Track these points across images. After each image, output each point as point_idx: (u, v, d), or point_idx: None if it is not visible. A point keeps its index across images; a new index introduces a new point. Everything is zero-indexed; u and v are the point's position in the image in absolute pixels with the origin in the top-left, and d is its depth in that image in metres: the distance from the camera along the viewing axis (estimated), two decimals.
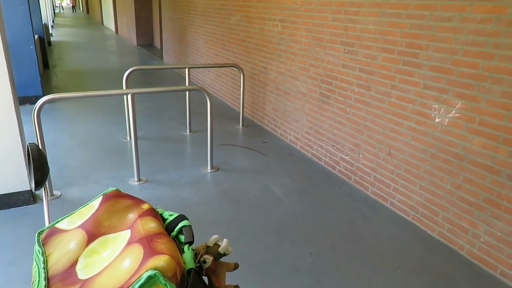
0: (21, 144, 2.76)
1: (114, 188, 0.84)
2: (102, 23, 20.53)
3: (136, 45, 12.72)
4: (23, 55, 5.34)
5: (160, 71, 8.27)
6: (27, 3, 5.29)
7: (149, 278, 0.60)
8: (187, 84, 4.63)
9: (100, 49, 11.89)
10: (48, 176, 2.97)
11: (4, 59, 2.58)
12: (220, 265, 0.74)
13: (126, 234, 0.73)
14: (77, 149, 4.03)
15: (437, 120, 2.55)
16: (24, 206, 2.86)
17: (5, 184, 2.79)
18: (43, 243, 0.76)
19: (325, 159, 3.77)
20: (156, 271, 0.61)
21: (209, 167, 3.60)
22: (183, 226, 0.75)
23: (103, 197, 0.81)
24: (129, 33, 13.70)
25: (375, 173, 3.15)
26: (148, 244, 0.68)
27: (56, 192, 3.07)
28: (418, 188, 2.76)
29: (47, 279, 0.69)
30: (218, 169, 3.62)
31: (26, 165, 0.99)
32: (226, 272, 0.76)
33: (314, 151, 3.93)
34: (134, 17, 12.44)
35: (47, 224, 0.81)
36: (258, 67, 4.82)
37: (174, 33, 8.33)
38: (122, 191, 0.81)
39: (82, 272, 0.70)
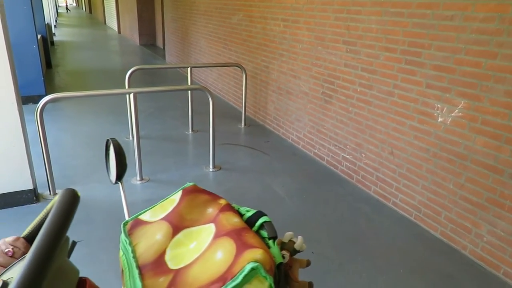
0: (24, 144, 2.77)
1: (192, 183, 0.87)
2: (105, 23, 20.58)
3: (138, 44, 12.75)
4: (26, 55, 5.36)
5: (163, 71, 8.28)
6: (30, 3, 5.30)
7: (252, 269, 0.62)
8: (189, 84, 4.64)
9: (102, 48, 11.92)
10: (52, 175, 2.99)
11: (7, 58, 2.59)
12: (295, 261, 0.76)
13: (210, 228, 0.76)
14: (80, 149, 4.04)
15: (439, 119, 2.54)
16: (27, 205, 2.87)
17: (8, 183, 2.81)
18: (129, 234, 0.79)
19: (327, 158, 3.76)
20: (257, 263, 0.63)
21: (211, 167, 3.61)
22: (264, 222, 0.76)
23: (182, 191, 0.85)
24: (132, 33, 13.73)
25: (378, 173, 3.14)
26: (238, 237, 0.71)
27: (59, 191, 3.08)
28: (421, 188, 2.76)
29: (138, 267, 0.72)
30: (220, 169, 3.63)
31: (106, 160, 1.02)
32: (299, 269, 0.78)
33: (316, 151, 3.93)
34: (137, 17, 12.46)
35: (127, 216, 0.85)
36: (260, 67, 4.82)
37: (177, 33, 8.34)
38: (199, 186, 0.86)
39: (172, 263, 0.73)
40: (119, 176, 0.97)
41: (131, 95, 3.14)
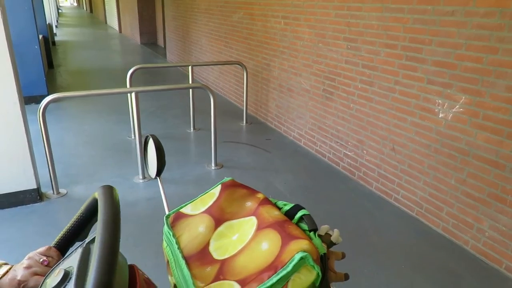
0: (27, 143, 2.79)
1: (230, 178, 0.90)
2: (106, 22, 20.59)
3: (139, 43, 12.76)
4: (27, 55, 5.38)
5: (164, 70, 8.29)
6: (31, 3, 5.32)
7: (301, 259, 0.65)
8: (190, 82, 4.64)
9: (104, 48, 11.93)
10: (55, 174, 3.01)
11: (9, 59, 2.61)
12: (331, 253, 0.78)
13: (251, 220, 0.79)
14: (82, 148, 4.06)
15: (441, 115, 2.54)
16: (31, 204, 2.90)
17: (12, 183, 2.83)
18: (172, 226, 0.82)
19: (329, 155, 3.77)
20: (306, 253, 0.66)
21: (213, 165, 3.62)
22: (303, 215, 0.79)
23: (221, 186, 0.88)
24: (133, 32, 13.74)
25: (379, 169, 3.14)
26: (282, 229, 0.73)
27: (62, 190, 3.10)
28: (422, 184, 2.76)
29: (184, 258, 0.75)
30: (222, 167, 3.64)
31: (144, 156, 1.06)
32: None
33: (317, 148, 3.93)
34: (137, 16, 12.47)
35: (167, 210, 0.89)
36: (261, 64, 4.82)
37: (177, 32, 8.34)
38: (237, 181, 0.89)
39: (216, 253, 0.76)
40: (159, 171, 1.02)
41: (133, 94, 3.15)
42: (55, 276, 0.61)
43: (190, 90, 4.55)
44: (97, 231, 0.60)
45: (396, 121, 2.90)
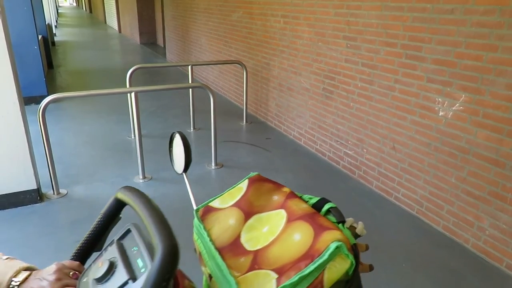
0: (27, 144, 2.79)
1: (256, 173, 0.93)
2: (105, 22, 20.59)
3: (139, 43, 12.76)
4: (27, 56, 5.38)
5: (164, 69, 8.29)
6: (30, 4, 5.32)
7: (336, 248, 0.68)
8: (190, 82, 4.64)
9: (103, 48, 11.93)
10: (55, 175, 3.01)
11: (8, 59, 2.60)
12: (357, 245, 0.81)
13: (280, 213, 0.82)
14: (82, 148, 4.06)
15: (441, 113, 2.54)
16: (31, 205, 2.90)
17: (12, 183, 2.83)
18: (202, 219, 0.85)
19: (329, 154, 3.77)
20: (341, 242, 0.69)
21: (213, 164, 3.62)
22: (331, 207, 0.82)
23: (248, 180, 0.90)
24: (132, 32, 13.74)
25: (379, 168, 3.14)
26: (312, 221, 0.76)
27: (63, 191, 3.10)
28: (423, 182, 2.76)
29: (217, 249, 0.78)
30: (222, 166, 3.64)
31: (170, 152, 1.13)
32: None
33: (318, 147, 3.93)
34: (137, 16, 12.46)
35: (194, 205, 0.91)
36: (260, 64, 4.82)
37: (177, 31, 8.34)
38: (263, 176, 0.92)
39: (248, 245, 0.79)
40: (186, 167, 1.05)
41: (132, 94, 3.15)
42: (99, 268, 0.64)
43: (190, 89, 4.55)
44: (140, 213, 0.65)
45: (396, 119, 2.90)
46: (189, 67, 4.57)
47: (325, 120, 3.75)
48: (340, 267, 0.69)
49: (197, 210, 0.87)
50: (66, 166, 3.57)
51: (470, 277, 2.25)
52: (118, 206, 0.77)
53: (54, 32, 13.89)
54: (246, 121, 4.89)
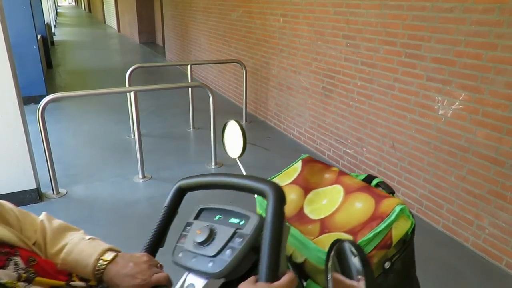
0: (26, 143, 2.79)
1: (307, 155, 1.05)
2: (104, 22, 20.56)
3: (138, 43, 12.74)
4: (26, 55, 5.37)
5: (163, 69, 8.28)
6: (29, 3, 5.31)
7: (401, 210, 0.79)
8: (189, 81, 4.64)
9: (102, 47, 11.92)
10: (55, 175, 3.00)
11: (7, 59, 2.60)
12: None
13: (336, 188, 0.93)
14: (82, 148, 4.06)
15: (440, 112, 2.54)
16: (31, 205, 2.89)
17: (12, 183, 2.82)
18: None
19: (329, 153, 3.77)
20: (404, 205, 0.80)
21: (213, 163, 3.62)
22: (379, 182, 0.93)
23: (302, 161, 1.01)
24: (131, 31, 13.72)
25: (379, 167, 3.14)
26: (370, 192, 0.88)
27: (62, 190, 3.10)
28: (422, 181, 2.76)
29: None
30: (222, 165, 3.64)
31: (222, 139, 1.23)
32: None
33: (317, 146, 3.93)
34: (136, 15, 12.44)
35: None
36: (260, 63, 4.82)
37: (176, 30, 8.33)
38: (313, 157, 1.03)
39: (312, 215, 0.90)
40: (242, 152, 1.16)
41: (132, 94, 3.15)
42: (198, 235, 0.72)
43: (189, 89, 4.55)
44: (227, 181, 0.78)
45: (395, 118, 2.90)
46: (189, 66, 4.57)
47: (324, 119, 3.75)
48: (403, 226, 0.80)
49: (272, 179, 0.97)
50: (66, 165, 3.57)
51: (470, 275, 2.26)
52: (180, 196, 0.88)
53: (53, 31, 13.87)
54: (246, 120, 4.89)
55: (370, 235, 0.78)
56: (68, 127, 4.70)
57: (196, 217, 0.80)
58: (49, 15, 12.93)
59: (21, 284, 0.63)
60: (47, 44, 8.25)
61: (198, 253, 0.71)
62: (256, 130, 4.61)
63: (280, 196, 0.69)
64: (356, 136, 3.36)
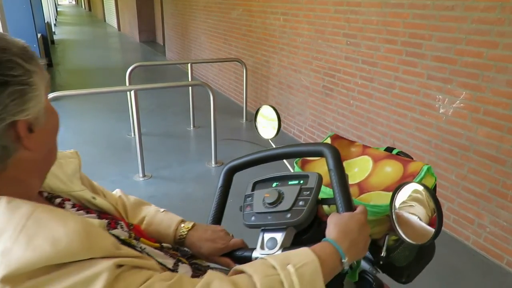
0: None
1: (333, 133, 1.17)
2: (105, 21, 20.54)
3: (138, 41, 12.73)
4: None
5: (163, 67, 8.28)
6: (29, 2, 5.31)
7: (427, 169, 0.93)
8: (189, 80, 4.64)
9: (103, 46, 11.91)
10: None
11: None
12: None
13: (364, 158, 1.06)
14: (82, 146, 4.06)
15: (441, 110, 2.53)
16: None
17: None
18: (302, 169, 1.10)
19: None
20: (429, 165, 0.94)
21: (213, 162, 3.62)
22: (399, 151, 1.05)
23: (330, 138, 1.13)
24: (132, 30, 13.71)
25: None
26: (395, 158, 1.01)
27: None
28: None
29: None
30: (222, 164, 3.63)
31: (255, 122, 1.41)
32: None
33: None
34: (136, 14, 12.43)
35: (289, 166, 1.18)
36: (260, 61, 4.81)
37: (176, 29, 8.32)
38: (338, 134, 1.16)
39: (349, 181, 1.00)
40: (276, 134, 1.31)
41: (132, 92, 3.14)
42: (267, 197, 0.85)
43: (190, 87, 4.54)
44: (285, 152, 0.97)
45: (396, 117, 2.90)
46: (189, 65, 4.56)
47: (325, 117, 3.75)
48: (430, 182, 0.93)
49: (296, 162, 1.12)
50: None
51: (471, 274, 2.25)
52: (230, 177, 1.05)
53: (53, 30, 13.87)
54: (246, 119, 4.89)
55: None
56: (68, 125, 4.70)
57: (253, 190, 0.93)
58: (49, 14, 12.92)
59: (134, 241, 0.71)
60: (47, 43, 8.24)
61: (273, 211, 0.83)
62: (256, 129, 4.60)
63: (335, 150, 0.86)
64: (356, 134, 3.35)
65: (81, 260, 0.50)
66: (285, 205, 0.82)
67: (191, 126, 4.64)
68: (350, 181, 0.94)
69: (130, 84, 4.08)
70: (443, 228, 2.56)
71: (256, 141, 4.21)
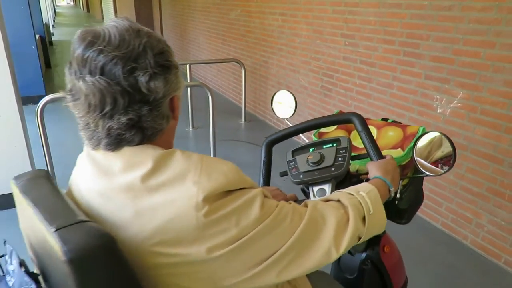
0: (25, 144, 2.79)
1: (338, 110, 1.39)
2: (103, 21, 20.54)
3: None
4: (24, 56, 5.35)
5: None
6: (27, 3, 5.30)
7: (423, 129, 1.17)
8: (188, 81, 4.64)
9: None
10: (54, 175, 3.00)
11: (6, 59, 2.60)
12: None
13: (369, 127, 1.18)
14: (81, 148, 4.04)
15: (439, 110, 2.54)
16: None
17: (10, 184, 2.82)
18: (319, 137, 1.34)
19: None
20: (423, 126, 1.19)
21: None
22: (393, 120, 1.31)
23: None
24: None
25: None
26: (393, 124, 1.27)
27: (62, 191, 3.09)
28: None
29: None
30: None
31: (272, 104, 1.56)
32: None
33: None
34: (134, 14, 12.42)
35: (305, 138, 1.41)
36: (259, 62, 4.81)
37: (175, 30, 8.33)
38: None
39: (359, 145, 1.24)
40: (292, 114, 1.48)
41: None
42: (311, 159, 1.05)
43: (188, 88, 4.54)
44: (314, 123, 1.21)
45: (394, 117, 2.90)
46: (187, 65, 4.57)
47: None
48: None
49: (314, 134, 1.35)
50: (65, 166, 3.55)
51: (469, 273, 2.26)
52: (270, 149, 1.33)
53: (51, 31, 13.85)
54: (245, 120, 4.89)
55: (412, 143, 1.13)
56: (67, 127, 4.69)
57: (293, 156, 1.13)
58: (47, 15, 12.91)
59: None
60: (45, 44, 8.23)
61: (318, 168, 1.04)
62: (255, 129, 4.61)
63: (360, 116, 1.09)
64: None
65: (240, 189, 0.69)
66: (328, 162, 1.03)
67: (190, 127, 4.64)
68: (361, 145, 1.18)
69: None
70: (441, 227, 2.56)
71: (255, 142, 4.22)
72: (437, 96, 2.53)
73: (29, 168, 2.85)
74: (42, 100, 2.82)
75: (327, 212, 0.78)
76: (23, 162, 2.81)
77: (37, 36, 6.18)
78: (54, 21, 19.69)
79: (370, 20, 2.97)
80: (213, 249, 0.64)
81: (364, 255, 1.22)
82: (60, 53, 10.55)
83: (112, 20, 0.71)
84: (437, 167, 1.01)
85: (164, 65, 0.70)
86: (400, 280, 1.36)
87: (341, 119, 1.15)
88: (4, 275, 0.76)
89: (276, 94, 1.49)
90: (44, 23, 9.37)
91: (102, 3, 19.59)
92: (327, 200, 0.85)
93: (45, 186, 0.78)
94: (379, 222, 0.85)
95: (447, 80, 2.45)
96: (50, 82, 6.84)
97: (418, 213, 2.83)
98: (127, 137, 0.69)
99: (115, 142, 0.69)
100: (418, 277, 2.22)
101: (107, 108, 0.66)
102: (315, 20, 3.62)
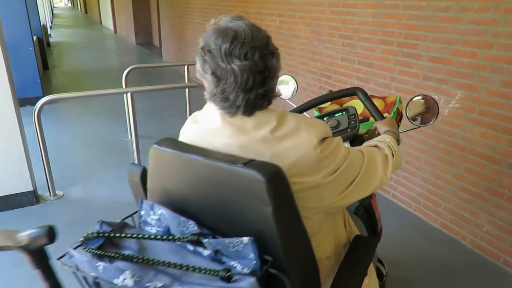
0: (22, 146, 2.77)
1: (328, 90, 1.75)
2: (101, 23, 20.50)
3: (135, 44, 12.71)
4: (22, 57, 5.34)
5: (160, 69, 8.26)
6: (24, 5, 5.28)
7: (399, 98, 1.55)
8: (186, 82, 4.63)
9: (99, 49, 11.89)
10: (51, 177, 2.99)
11: (3, 61, 2.59)
12: None
13: (355, 101, 1.59)
14: (79, 149, 4.04)
15: None
16: (28, 207, 2.88)
17: (8, 185, 2.81)
18: (319, 111, 1.69)
19: None
20: (399, 96, 1.56)
21: None
22: (371, 94, 1.57)
23: (329, 91, 1.62)
24: (128, 32, 13.69)
25: None
26: (375, 96, 1.63)
27: (59, 192, 3.09)
28: (420, 180, 2.76)
29: None
30: None
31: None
32: None
33: None
34: (132, 16, 12.41)
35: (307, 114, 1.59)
36: None
37: (173, 31, 8.32)
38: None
39: None
40: (292, 95, 1.76)
41: (129, 95, 3.14)
42: (330, 124, 1.40)
43: (187, 89, 4.53)
44: (327, 97, 1.55)
45: None
46: (185, 67, 4.56)
47: None
48: (400, 107, 1.56)
49: (315, 109, 1.64)
50: (63, 167, 3.55)
51: (467, 273, 2.26)
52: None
53: (49, 33, 13.82)
54: None
55: (395, 108, 1.55)
56: (64, 128, 4.68)
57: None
58: (45, 17, 12.88)
59: None
60: (43, 45, 8.21)
61: (337, 131, 1.38)
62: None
63: (362, 89, 1.40)
64: None
65: (327, 137, 0.95)
66: (343, 125, 1.38)
67: None
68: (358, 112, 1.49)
69: (126, 86, 4.07)
70: (440, 227, 2.56)
71: None
72: (435, 97, 2.53)
73: (26, 170, 2.83)
74: (40, 101, 2.81)
75: (374, 153, 1.09)
76: (20, 164, 2.80)
77: (35, 38, 6.16)
78: (52, 22, 19.65)
79: (368, 21, 2.98)
80: (325, 176, 0.91)
81: (357, 203, 1.50)
82: (58, 54, 10.52)
83: (227, 18, 0.98)
84: (426, 121, 1.44)
85: (274, 50, 0.93)
86: (379, 224, 1.69)
87: (347, 93, 1.45)
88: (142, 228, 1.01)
89: (280, 77, 1.67)
90: (41, 24, 9.35)
91: (100, 4, 19.56)
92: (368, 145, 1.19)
93: (184, 145, 1.00)
94: (400, 157, 1.22)
95: (445, 81, 2.45)
96: (47, 84, 6.82)
97: (417, 213, 2.84)
98: (260, 104, 0.94)
99: (251, 108, 0.93)
100: (416, 278, 2.22)
101: (250, 84, 0.89)
102: (313, 21, 3.63)
